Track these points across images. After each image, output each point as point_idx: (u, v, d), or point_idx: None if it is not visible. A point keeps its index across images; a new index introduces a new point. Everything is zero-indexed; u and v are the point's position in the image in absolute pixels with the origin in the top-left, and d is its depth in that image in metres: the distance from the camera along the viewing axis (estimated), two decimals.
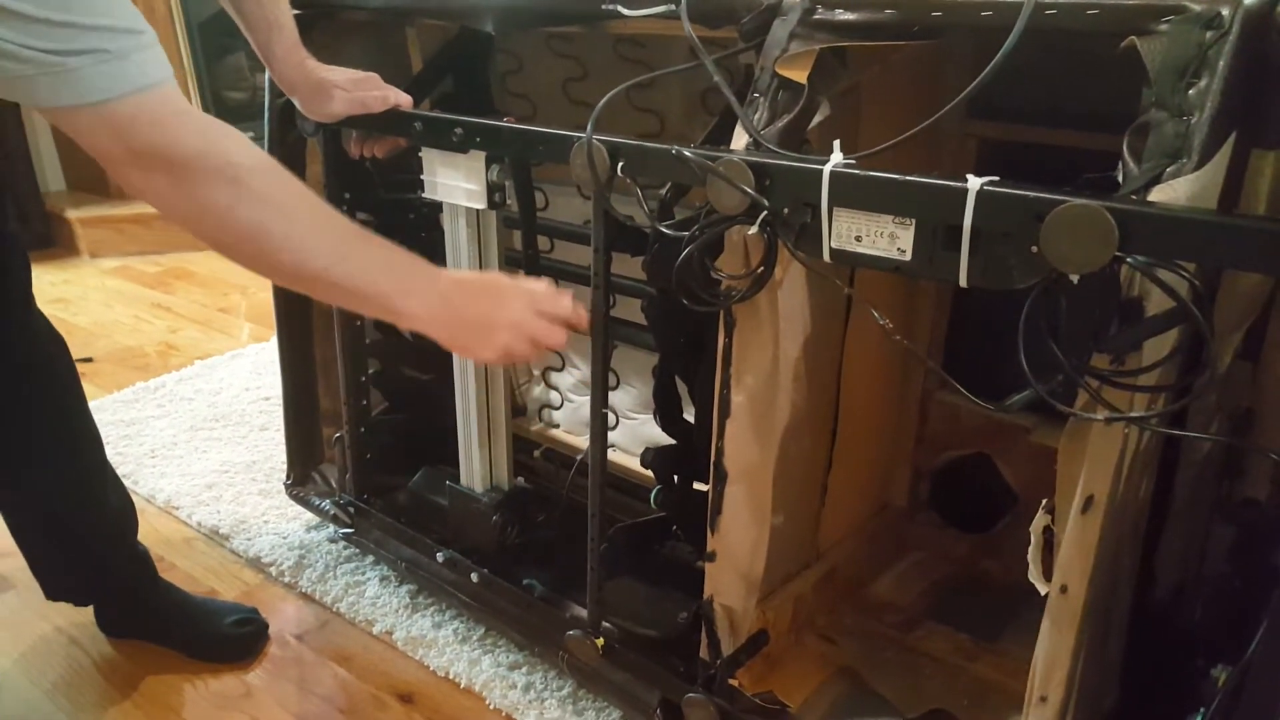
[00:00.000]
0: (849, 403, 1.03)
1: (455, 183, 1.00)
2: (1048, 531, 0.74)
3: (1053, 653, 0.73)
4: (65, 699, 1.14)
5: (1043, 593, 0.73)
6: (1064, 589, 0.71)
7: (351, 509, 1.32)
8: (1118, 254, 0.57)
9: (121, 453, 1.67)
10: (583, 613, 1.03)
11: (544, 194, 1.21)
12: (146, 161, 0.69)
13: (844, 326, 0.99)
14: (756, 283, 0.77)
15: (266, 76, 1.08)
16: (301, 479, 1.41)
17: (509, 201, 1.01)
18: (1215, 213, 0.60)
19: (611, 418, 1.30)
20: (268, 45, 0.99)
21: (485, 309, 0.83)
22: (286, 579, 1.34)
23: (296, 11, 1.03)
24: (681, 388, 1.00)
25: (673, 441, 1.02)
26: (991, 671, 1.00)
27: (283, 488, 1.44)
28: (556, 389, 1.41)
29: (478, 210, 1.02)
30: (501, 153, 0.96)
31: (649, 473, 1.03)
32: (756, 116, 0.76)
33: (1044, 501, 0.74)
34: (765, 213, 0.72)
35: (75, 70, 0.64)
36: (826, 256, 0.71)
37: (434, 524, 1.22)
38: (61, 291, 2.49)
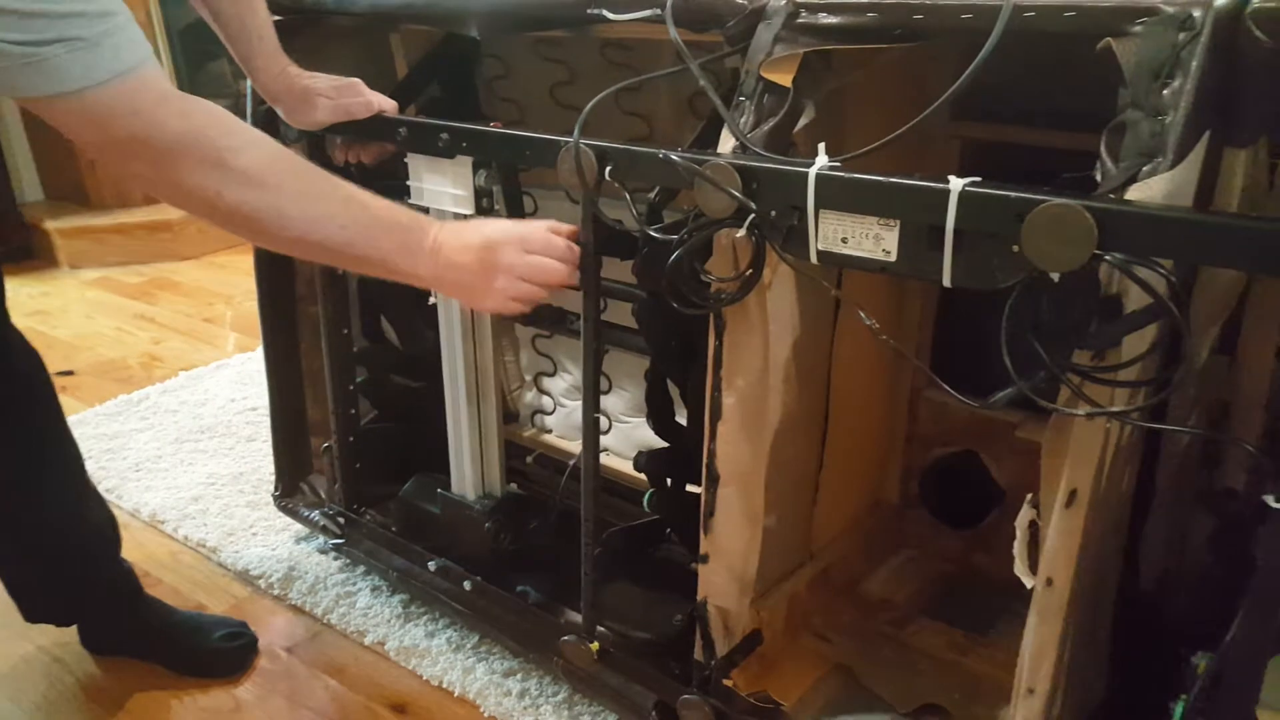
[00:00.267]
0: (839, 402, 1.04)
1: (442, 188, 1.01)
2: (1033, 526, 0.75)
3: (1039, 645, 0.75)
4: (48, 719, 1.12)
5: (1029, 586, 0.74)
6: (1049, 582, 0.72)
7: (341, 519, 1.31)
8: (1096, 252, 0.58)
9: (105, 467, 1.65)
10: (577, 617, 1.04)
11: (533, 199, 1.22)
12: (128, 150, 0.69)
13: (833, 327, 1.00)
14: (745, 285, 0.78)
15: (249, 84, 1.08)
16: (290, 490, 1.41)
17: (497, 206, 1.02)
18: (1190, 210, 0.62)
19: (604, 422, 1.30)
20: (249, 56, 0.99)
21: (477, 260, 0.83)
22: (276, 591, 1.33)
23: (279, 18, 1.03)
24: (674, 391, 1.01)
25: (665, 445, 1.02)
26: (984, 665, 1.02)
27: (271, 499, 1.43)
28: (549, 394, 1.42)
29: (465, 215, 1.03)
30: (488, 157, 0.96)
31: (642, 476, 1.04)
32: (743, 120, 0.77)
33: (1029, 496, 0.75)
34: (753, 216, 0.73)
35: (49, 60, 0.64)
36: (813, 258, 0.72)
37: (426, 533, 1.22)
38: (41, 304, 2.46)
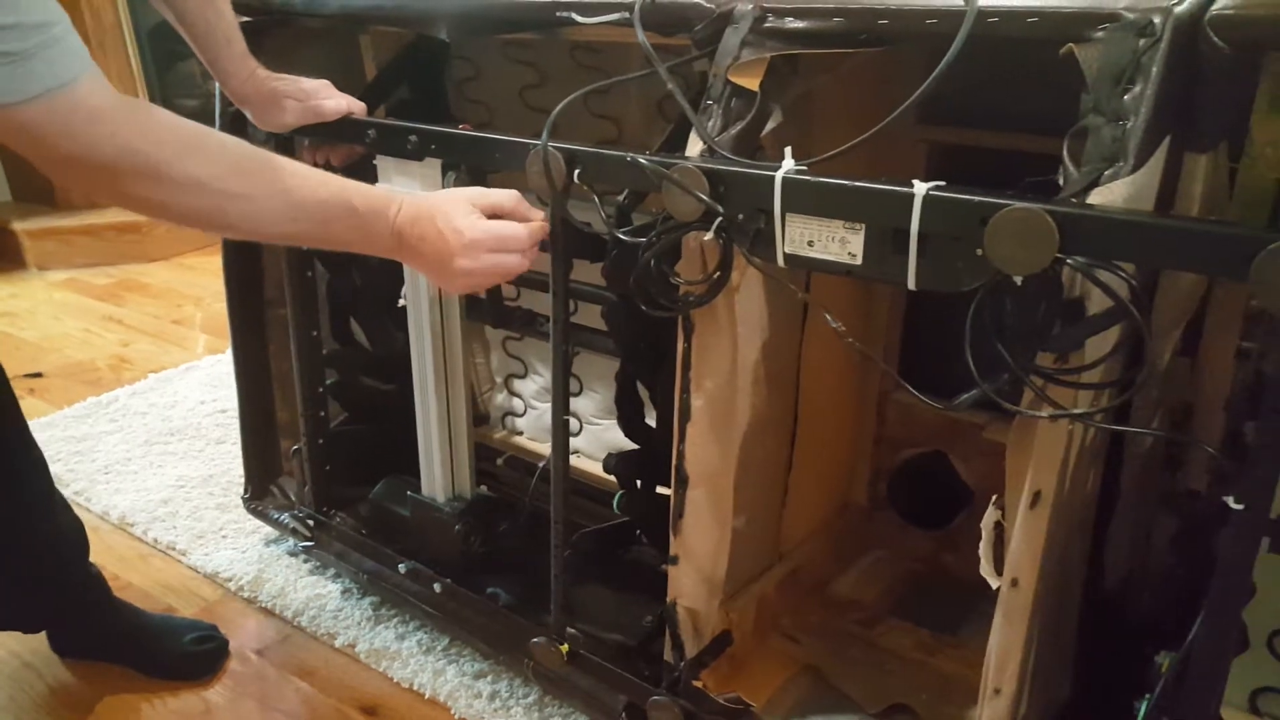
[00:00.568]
0: (808, 404, 1.04)
1: (411, 190, 1.00)
2: (998, 527, 0.75)
3: (1005, 645, 0.75)
4: None
5: (994, 587, 0.75)
6: (1015, 583, 0.73)
7: (311, 522, 1.30)
8: (1059, 255, 0.59)
9: (73, 469, 1.63)
10: (547, 619, 1.03)
11: None
12: (66, 167, 0.69)
13: (802, 329, 1.00)
14: (714, 288, 0.78)
15: (217, 86, 1.07)
16: (260, 492, 1.39)
17: None
18: (1151, 214, 0.62)
19: (574, 424, 1.30)
20: (216, 59, 0.98)
21: (435, 245, 0.81)
22: (246, 594, 1.32)
23: (248, 19, 1.01)
24: (644, 392, 1.01)
25: (635, 446, 1.02)
26: (952, 665, 1.02)
27: (241, 502, 1.42)
28: (519, 396, 1.41)
29: None
30: (457, 160, 0.96)
31: (612, 478, 1.04)
32: (710, 123, 0.77)
33: (994, 497, 0.76)
34: (720, 219, 0.73)
35: None
36: (781, 261, 0.72)
37: (396, 535, 1.21)
38: (8, 306, 2.41)
